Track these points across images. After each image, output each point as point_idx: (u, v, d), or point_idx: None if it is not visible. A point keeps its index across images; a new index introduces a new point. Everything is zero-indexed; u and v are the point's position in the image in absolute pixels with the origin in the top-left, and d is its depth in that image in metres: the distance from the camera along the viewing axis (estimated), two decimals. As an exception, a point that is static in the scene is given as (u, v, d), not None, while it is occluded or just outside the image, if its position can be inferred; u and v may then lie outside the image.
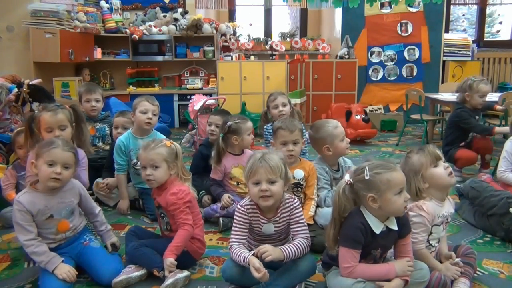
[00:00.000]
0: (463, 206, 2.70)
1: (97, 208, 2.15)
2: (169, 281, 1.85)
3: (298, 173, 2.40)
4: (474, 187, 2.58)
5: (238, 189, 2.71)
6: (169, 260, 1.88)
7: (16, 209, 1.86)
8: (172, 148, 2.09)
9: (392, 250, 1.78)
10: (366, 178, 1.62)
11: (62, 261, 1.88)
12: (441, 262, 1.87)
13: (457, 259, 1.85)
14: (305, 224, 1.88)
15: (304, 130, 3.39)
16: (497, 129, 3.34)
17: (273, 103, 3.22)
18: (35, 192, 1.91)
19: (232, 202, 2.56)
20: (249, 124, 2.77)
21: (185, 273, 1.93)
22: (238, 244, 1.82)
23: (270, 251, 1.70)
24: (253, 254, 1.72)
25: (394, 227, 1.68)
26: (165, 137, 2.78)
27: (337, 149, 2.42)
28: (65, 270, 1.85)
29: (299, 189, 2.41)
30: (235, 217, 1.87)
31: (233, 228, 1.86)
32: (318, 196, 2.41)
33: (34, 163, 1.90)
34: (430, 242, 1.86)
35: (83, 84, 3.94)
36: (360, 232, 1.63)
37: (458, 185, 2.84)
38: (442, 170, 1.85)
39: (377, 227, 1.66)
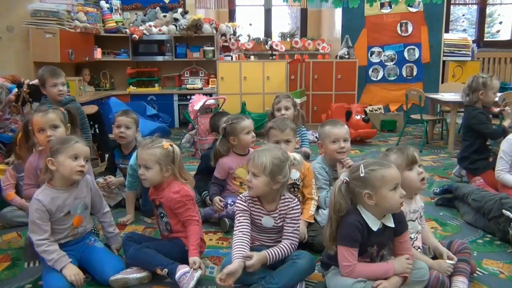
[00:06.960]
0: (463, 208, 2.71)
1: (107, 207, 2.19)
2: (191, 284, 1.83)
3: (293, 174, 2.36)
4: (475, 199, 2.60)
5: (241, 189, 2.64)
6: (195, 258, 1.93)
7: (34, 208, 1.86)
8: (168, 151, 2.02)
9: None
10: (362, 175, 1.65)
11: (70, 262, 1.89)
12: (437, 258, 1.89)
13: (452, 262, 1.83)
14: (297, 227, 1.91)
15: (305, 130, 3.39)
16: (506, 126, 3.23)
17: (277, 105, 3.22)
18: (53, 189, 1.92)
19: (223, 207, 2.52)
20: (245, 122, 2.64)
21: (199, 271, 1.92)
22: (242, 233, 1.85)
23: (256, 264, 1.76)
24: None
25: (391, 224, 1.71)
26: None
27: (327, 149, 2.43)
28: (74, 272, 1.85)
29: (296, 189, 2.40)
30: (235, 208, 1.92)
31: (235, 218, 1.90)
32: (318, 196, 2.40)
33: (51, 161, 1.89)
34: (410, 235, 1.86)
35: (43, 68, 3.20)
36: (357, 230, 1.66)
37: (451, 184, 2.91)
38: (415, 175, 1.88)
39: (374, 224, 1.68)
